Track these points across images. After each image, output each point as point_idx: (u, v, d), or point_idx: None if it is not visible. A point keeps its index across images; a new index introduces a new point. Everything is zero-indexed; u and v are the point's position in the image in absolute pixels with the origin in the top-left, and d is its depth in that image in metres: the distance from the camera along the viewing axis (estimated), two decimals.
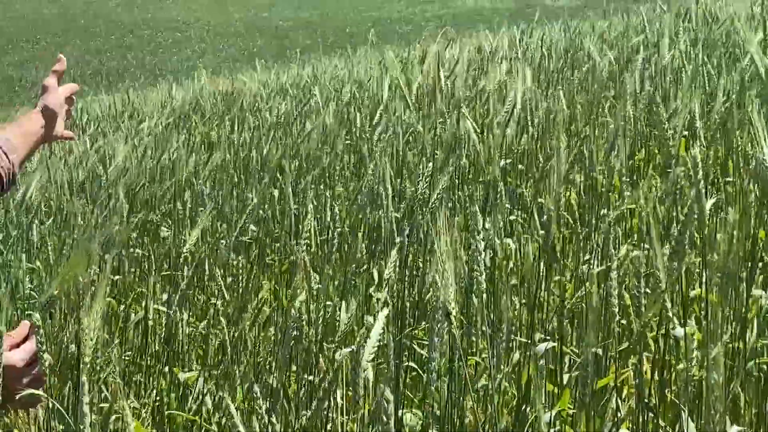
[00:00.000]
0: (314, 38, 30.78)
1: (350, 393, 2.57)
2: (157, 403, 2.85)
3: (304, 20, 36.29)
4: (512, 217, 3.27)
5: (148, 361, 3.02)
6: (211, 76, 12.18)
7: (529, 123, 3.64)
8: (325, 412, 2.36)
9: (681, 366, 2.31)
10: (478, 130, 3.58)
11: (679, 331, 2.29)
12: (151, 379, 2.99)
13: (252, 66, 18.17)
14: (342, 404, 2.47)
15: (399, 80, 3.50)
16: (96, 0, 44.11)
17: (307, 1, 41.74)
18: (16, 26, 38.15)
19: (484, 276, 2.36)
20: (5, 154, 2.11)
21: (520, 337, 2.64)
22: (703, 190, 2.20)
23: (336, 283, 2.97)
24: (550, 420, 2.29)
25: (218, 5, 43.17)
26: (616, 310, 2.26)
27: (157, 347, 3.04)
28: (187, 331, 3.00)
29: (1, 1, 42.14)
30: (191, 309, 3.22)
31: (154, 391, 2.92)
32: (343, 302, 2.54)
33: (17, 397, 1.66)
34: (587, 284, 2.54)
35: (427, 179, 2.74)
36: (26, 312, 3.26)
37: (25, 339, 1.77)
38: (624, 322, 2.59)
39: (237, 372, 2.65)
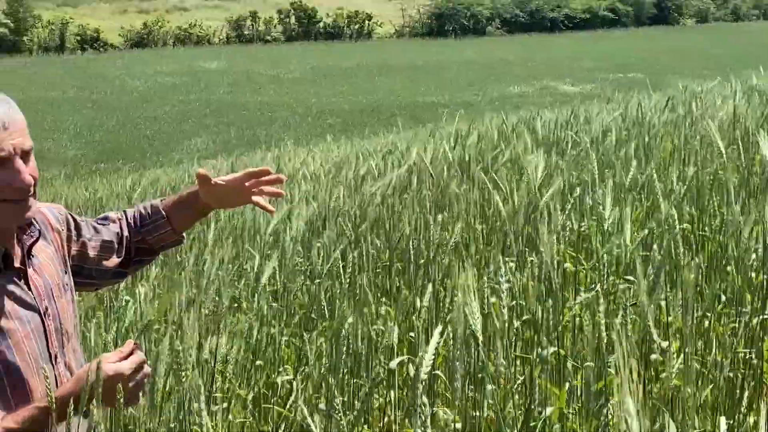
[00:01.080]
0: (372, 118, 31.44)
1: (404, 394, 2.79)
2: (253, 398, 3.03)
3: (362, 104, 37.23)
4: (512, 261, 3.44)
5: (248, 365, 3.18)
6: (294, 147, 12.40)
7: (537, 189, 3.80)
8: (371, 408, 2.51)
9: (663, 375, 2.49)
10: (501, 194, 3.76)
11: (664, 344, 2.50)
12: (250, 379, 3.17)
13: (323, 140, 18.58)
14: (395, 400, 2.67)
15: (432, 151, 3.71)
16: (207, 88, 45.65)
17: (365, 90, 42.96)
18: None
19: (505, 305, 2.59)
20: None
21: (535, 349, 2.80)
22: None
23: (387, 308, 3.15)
24: (550, 414, 2.47)
25: (299, 92, 44.24)
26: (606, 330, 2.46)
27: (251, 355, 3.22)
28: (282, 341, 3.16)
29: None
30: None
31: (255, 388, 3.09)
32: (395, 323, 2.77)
33: (120, 397, 1.79)
34: (580, 309, 2.71)
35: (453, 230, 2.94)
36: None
37: (131, 353, 1.89)
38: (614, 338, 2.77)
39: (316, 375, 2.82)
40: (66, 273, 2.07)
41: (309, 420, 2.05)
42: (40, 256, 1.99)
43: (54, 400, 1.76)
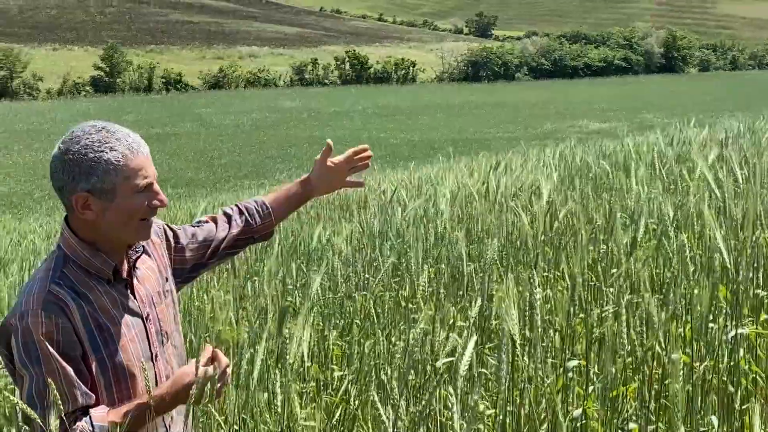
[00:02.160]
0: (415, 151, 31.51)
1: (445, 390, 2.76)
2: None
3: (406, 139, 37.42)
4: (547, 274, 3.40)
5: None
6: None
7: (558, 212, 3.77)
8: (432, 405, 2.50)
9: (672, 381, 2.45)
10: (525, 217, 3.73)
11: (675, 356, 2.45)
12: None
13: (372, 169, 18.59)
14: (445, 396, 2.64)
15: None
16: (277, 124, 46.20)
17: (408, 127, 43.16)
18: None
19: (538, 313, 2.56)
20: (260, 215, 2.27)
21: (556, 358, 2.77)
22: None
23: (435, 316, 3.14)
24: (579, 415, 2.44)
25: (352, 128, 44.61)
26: (626, 340, 2.42)
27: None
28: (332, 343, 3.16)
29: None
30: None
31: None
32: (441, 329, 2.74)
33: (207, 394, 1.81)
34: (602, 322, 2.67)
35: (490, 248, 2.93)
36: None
37: (212, 358, 1.90)
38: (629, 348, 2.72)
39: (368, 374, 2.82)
40: (167, 280, 2.08)
41: (379, 405, 2.03)
42: (142, 268, 2.00)
43: (152, 398, 1.77)
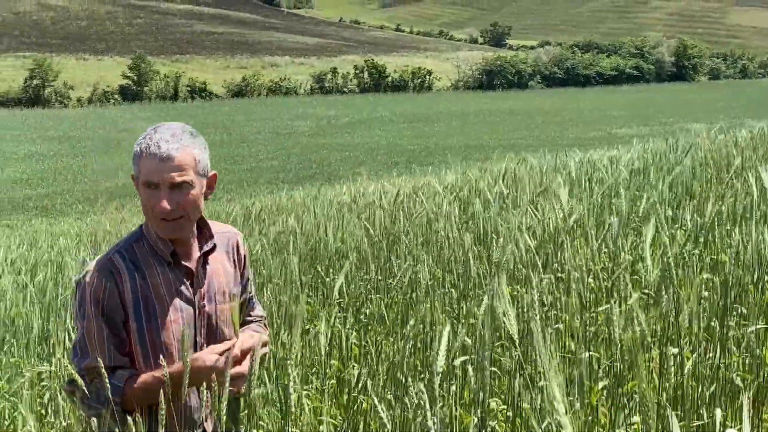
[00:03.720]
0: (431, 157, 31.56)
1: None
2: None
3: (422, 144, 37.50)
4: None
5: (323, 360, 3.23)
6: (367, 179, 12.46)
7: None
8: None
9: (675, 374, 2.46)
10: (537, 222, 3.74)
11: (674, 350, 2.46)
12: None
13: (391, 174, 18.66)
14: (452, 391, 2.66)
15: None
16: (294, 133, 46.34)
17: (425, 133, 43.26)
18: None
19: (538, 315, 2.58)
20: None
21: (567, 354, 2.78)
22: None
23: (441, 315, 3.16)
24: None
25: (370, 135, 44.74)
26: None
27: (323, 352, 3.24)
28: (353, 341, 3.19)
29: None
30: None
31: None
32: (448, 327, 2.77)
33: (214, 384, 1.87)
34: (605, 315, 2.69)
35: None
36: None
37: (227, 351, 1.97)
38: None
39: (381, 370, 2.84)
40: (236, 287, 2.14)
41: (379, 408, 2.06)
42: (214, 265, 2.08)
43: (169, 375, 1.82)
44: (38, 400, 2.96)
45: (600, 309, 2.94)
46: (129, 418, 1.75)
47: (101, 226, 12.72)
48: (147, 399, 1.91)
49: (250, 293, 2.24)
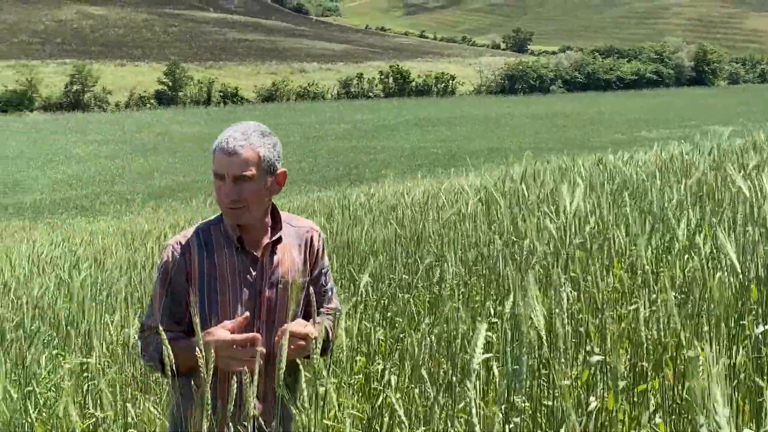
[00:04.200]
0: (453, 159, 31.46)
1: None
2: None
3: (445, 147, 37.43)
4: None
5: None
6: (394, 179, 12.43)
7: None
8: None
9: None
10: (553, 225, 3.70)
11: (693, 353, 2.42)
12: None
13: (415, 176, 18.65)
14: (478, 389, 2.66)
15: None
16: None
17: (447, 137, 43.07)
18: None
19: (565, 314, 2.55)
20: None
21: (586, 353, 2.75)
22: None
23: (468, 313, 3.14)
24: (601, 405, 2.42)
25: (395, 138, 44.72)
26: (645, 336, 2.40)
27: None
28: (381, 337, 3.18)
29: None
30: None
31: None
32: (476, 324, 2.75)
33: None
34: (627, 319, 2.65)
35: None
36: None
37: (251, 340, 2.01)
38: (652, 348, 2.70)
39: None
40: (303, 278, 2.18)
41: (396, 405, 2.06)
42: (282, 255, 2.15)
43: (199, 342, 1.83)
44: (79, 390, 3.00)
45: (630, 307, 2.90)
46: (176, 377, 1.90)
47: (138, 225, 12.86)
48: (185, 364, 1.96)
49: (324, 286, 2.28)
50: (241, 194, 2.06)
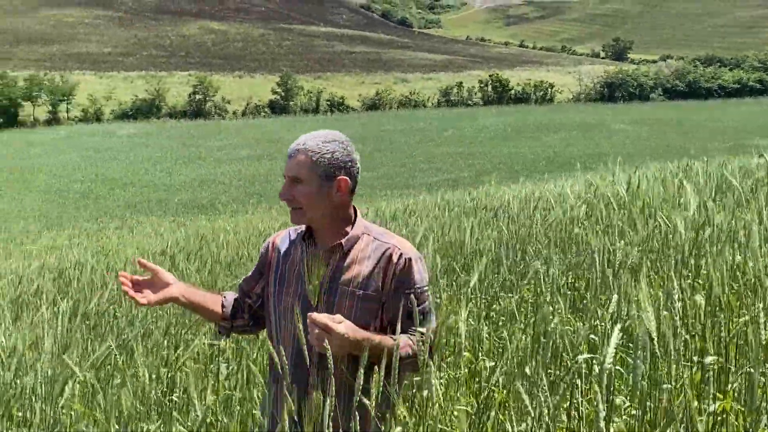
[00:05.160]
0: (551, 165, 30.77)
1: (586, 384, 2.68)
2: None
3: (543, 154, 36.64)
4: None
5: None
6: (495, 183, 12.29)
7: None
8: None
9: None
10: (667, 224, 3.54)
11: None
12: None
13: (516, 181, 18.32)
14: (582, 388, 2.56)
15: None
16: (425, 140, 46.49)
17: (545, 143, 42.11)
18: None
19: (678, 317, 2.43)
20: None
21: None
22: None
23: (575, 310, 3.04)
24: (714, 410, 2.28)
25: (493, 144, 44.21)
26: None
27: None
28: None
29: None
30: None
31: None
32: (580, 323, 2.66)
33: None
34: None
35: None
36: None
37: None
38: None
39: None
40: (369, 292, 2.10)
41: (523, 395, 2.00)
42: (351, 263, 2.10)
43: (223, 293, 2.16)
44: (205, 370, 3.10)
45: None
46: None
47: (253, 224, 13.24)
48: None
49: (410, 306, 2.10)
50: (294, 195, 2.10)
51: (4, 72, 71.15)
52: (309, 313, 1.96)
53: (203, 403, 2.37)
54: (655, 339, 2.25)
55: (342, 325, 1.97)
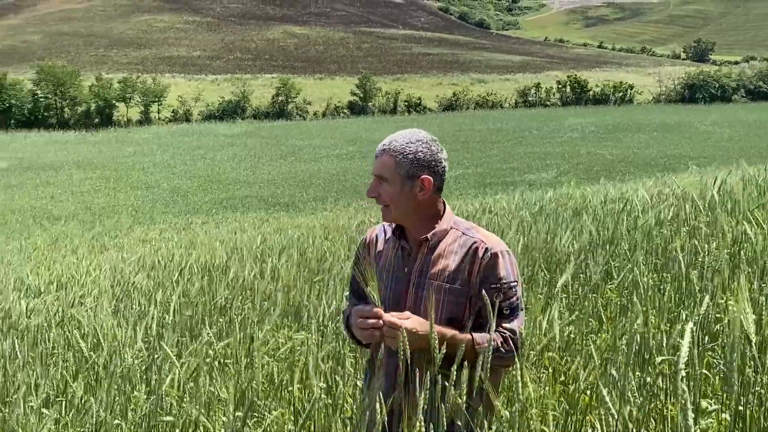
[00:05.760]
0: (630, 167, 29.88)
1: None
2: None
3: (622, 155, 35.60)
4: None
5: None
6: (572, 184, 12.04)
7: None
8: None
9: None
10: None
11: None
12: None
13: (596, 182, 17.90)
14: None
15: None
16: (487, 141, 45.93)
17: (624, 144, 40.84)
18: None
19: None
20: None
21: None
22: None
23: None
24: None
25: (572, 145, 43.30)
26: None
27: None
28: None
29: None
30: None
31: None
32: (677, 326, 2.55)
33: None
34: None
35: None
36: None
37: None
38: None
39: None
40: (456, 286, 2.08)
41: (604, 393, 1.94)
42: (439, 257, 2.11)
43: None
44: (295, 361, 3.13)
45: None
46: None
47: (332, 221, 13.38)
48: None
49: (496, 302, 2.06)
50: (380, 193, 2.15)
51: (100, 74, 74.32)
52: (375, 309, 2.02)
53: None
54: (753, 341, 2.13)
55: (409, 321, 2.01)
